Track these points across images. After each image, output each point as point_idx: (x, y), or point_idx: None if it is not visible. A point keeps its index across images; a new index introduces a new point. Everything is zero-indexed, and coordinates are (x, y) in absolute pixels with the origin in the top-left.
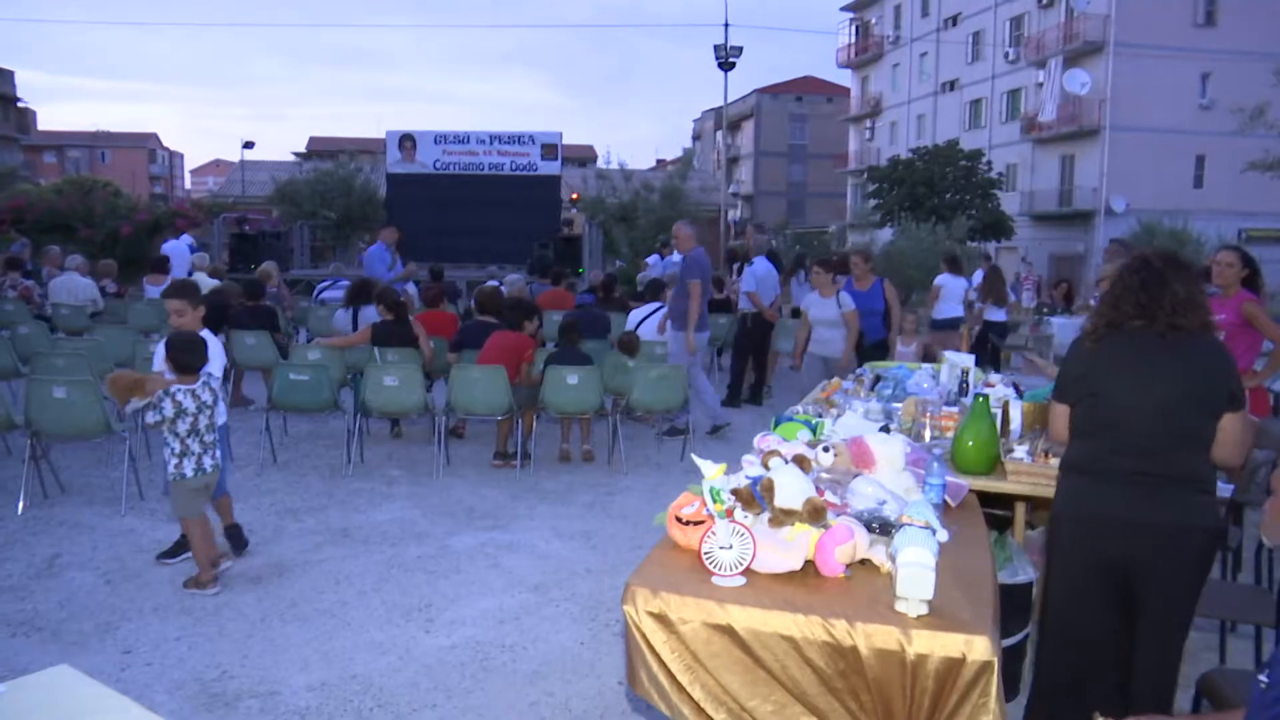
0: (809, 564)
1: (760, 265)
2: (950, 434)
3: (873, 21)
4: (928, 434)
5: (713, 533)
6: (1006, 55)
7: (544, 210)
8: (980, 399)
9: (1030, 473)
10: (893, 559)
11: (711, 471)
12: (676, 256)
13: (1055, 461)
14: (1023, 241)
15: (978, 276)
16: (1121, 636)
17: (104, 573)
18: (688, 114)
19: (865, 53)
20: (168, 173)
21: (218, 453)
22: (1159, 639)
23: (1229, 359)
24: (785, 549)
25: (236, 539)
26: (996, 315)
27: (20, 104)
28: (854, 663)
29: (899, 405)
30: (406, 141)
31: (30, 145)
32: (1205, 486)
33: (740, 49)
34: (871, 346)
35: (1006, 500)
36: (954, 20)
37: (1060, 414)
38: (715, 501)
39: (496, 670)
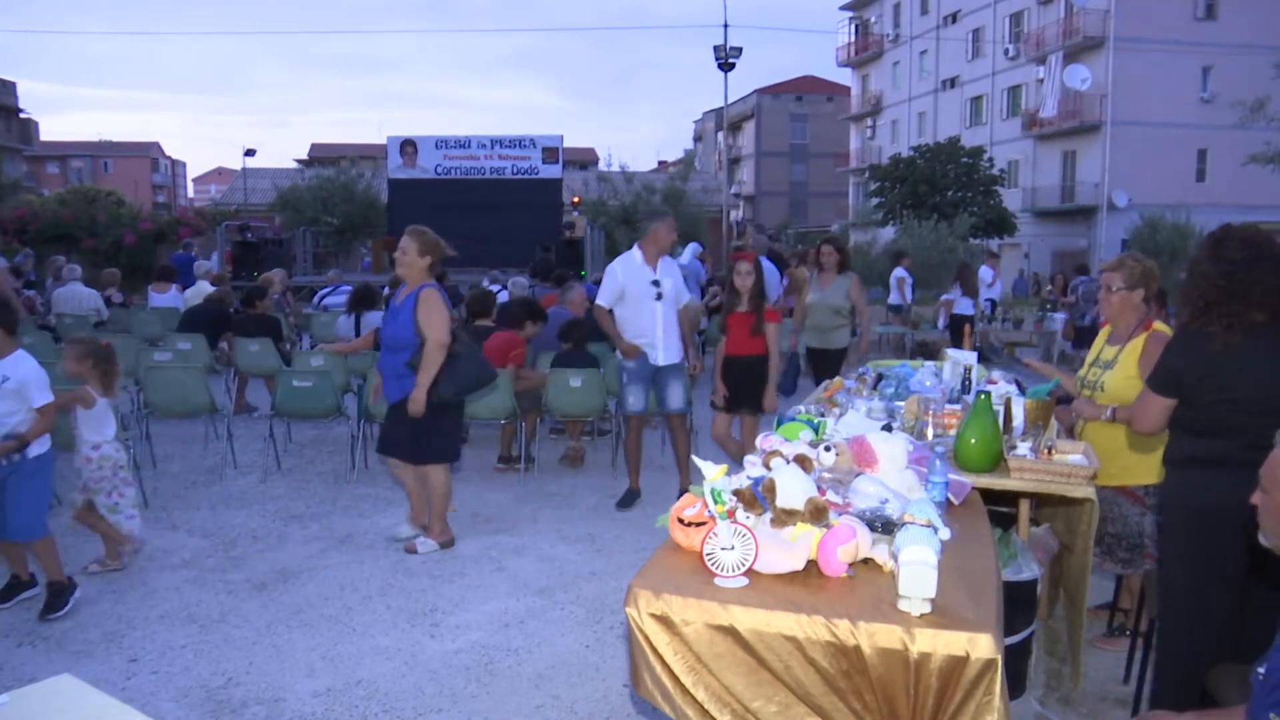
0: (811, 564)
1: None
2: (953, 432)
3: (872, 20)
4: (930, 432)
5: (715, 534)
6: (1006, 52)
7: (545, 213)
8: (983, 396)
9: (1034, 469)
10: (895, 558)
11: (713, 473)
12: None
13: (1058, 458)
14: (1025, 238)
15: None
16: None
17: (109, 581)
18: (689, 115)
19: (865, 51)
20: (170, 181)
21: None
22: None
23: None
24: (787, 549)
25: (56, 596)
26: (965, 308)
27: (23, 115)
28: (857, 662)
29: (901, 404)
30: (408, 147)
31: (33, 156)
32: None
33: (740, 49)
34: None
35: (1010, 497)
36: (953, 17)
37: (1162, 406)
38: (717, 503)
39: (502, 674)
